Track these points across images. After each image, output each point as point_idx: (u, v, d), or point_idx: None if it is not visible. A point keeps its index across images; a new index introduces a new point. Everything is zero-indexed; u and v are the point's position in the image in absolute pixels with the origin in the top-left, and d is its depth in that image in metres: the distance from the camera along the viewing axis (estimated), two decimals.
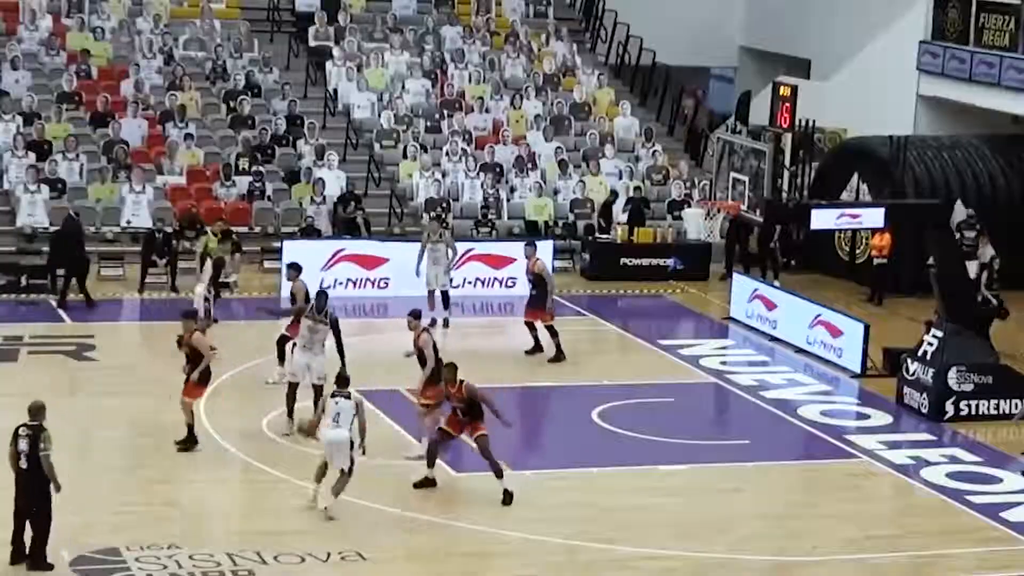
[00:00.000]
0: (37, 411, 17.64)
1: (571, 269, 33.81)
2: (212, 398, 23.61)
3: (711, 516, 20.47)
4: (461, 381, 20.69)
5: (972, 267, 30.25)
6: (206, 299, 26.28)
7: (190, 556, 18.01)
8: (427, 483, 20.75)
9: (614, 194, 34.66)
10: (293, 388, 22.83)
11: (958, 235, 31.06)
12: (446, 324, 28.33)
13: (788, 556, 19.23)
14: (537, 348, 27.16)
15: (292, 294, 24.62)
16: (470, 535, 19.36)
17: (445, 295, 28.76)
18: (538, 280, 27.25)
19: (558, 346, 26.95)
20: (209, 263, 27.43)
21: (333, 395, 19.98)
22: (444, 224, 31.07)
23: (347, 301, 29.68)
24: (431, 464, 20.86)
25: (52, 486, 17.33)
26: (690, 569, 18.66)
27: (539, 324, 27.13)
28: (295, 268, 25.14)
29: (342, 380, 20.29)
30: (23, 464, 17.33)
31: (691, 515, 20.53)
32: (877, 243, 32.16)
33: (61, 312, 28.96)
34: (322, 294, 23.26)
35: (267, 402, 23.81)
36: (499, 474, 20.43)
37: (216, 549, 18.30)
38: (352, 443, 19.70)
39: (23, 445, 17.33)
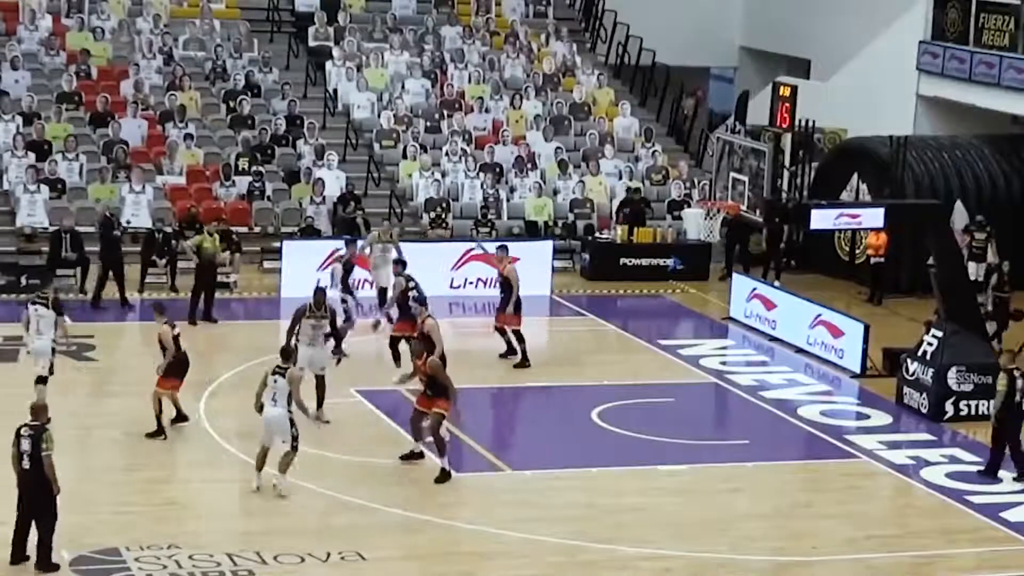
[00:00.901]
0: (39, 411, 17.61)
1: (571, 269, 33.83)
2: (212, 398, 23.64)
3: (711, 516, 20.47)
4: (427, 358, 21.33)
5: (980, 270, 30.30)
6: (53, 351, 23.51)
7: (190, 556, 18.00)
8: (412, 456, 21.43)
9: (636, 191, 34.73)
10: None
11: (967, 238, 31.14)
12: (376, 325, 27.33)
13: (788, 556, 19.22)
14: (511, 351, 26.90)
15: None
16: (470, 535, 19.35)
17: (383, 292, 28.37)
18: (505, 284, 26.96)
19: (523, 352, 26.64)
20: (51, 317, 23.53)
21: (273, 372, 20.33)
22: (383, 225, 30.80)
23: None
24: (416, 438, 21.46)
25: (53, 487, 17.29)
26: (690, 569, 18.65)
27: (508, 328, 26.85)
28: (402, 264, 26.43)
29: (284, 354, 20.82)
30: (26, 464, 17.30)
31: (691, 515, 20.52)
32: (873, 242, 32.18)
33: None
34: (319, 291, 23.41)
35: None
36: (442, 452, 20.90)
37: (216, 549, 18.29)
38: (291, 420, 20.07)
39: (25, 445, 17.29)
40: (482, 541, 19.20)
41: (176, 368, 22.35)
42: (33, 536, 17.50)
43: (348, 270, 27.25)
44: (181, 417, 22.63)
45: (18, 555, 17.48)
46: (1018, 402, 22.08)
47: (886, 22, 37.72)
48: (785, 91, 31.19)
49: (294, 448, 20.12)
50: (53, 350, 23.40)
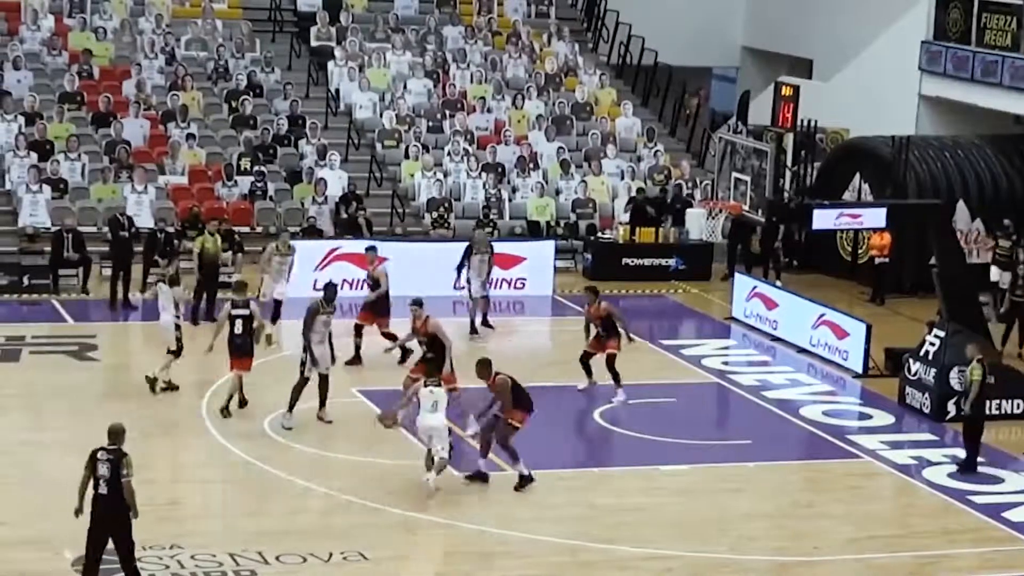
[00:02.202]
0: (117, 434, 16.89)
1: (573, 269, 33.84)
2: (214, 398, 23.62)
3: (713, 516, 20.46)
4: (427, 317, 22.71)
5: (1006, 277, 30.25)
6: (177, 327, 24.60)
7: (192, 556, 18.00)
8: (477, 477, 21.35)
9: (640, 192, 34.75)
10: (324, 379, 23.08)
11: (991, 241, 31.10)
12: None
13: (789, 556, 19.21)
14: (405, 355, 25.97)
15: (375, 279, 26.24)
16: (472, 535, 19.34)
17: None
18: (375, 283, 26.65)
19: (357, 349, 26.24)
20: (176, 290, 25.12)
21: (426, 384, 20.67)
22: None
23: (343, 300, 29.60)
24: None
25: (131, 512, 16.71)
26: (691, 569, 18.64)
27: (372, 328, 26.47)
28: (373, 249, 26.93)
29: (239, 287, 23.46)
30: (102, 490, 16.63)
31: (693, 515, 20.52)
32: (877, 243, 32.16)
33: (63, 312, 29.00)
34: (331, 286, 23.46)
35: (269, 402, 23.83)
36: (515, 459, 21.01)
37: (218, 549, 18.29)
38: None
39: (103, 470, 16.62)
40: (484, 541, 19.19)
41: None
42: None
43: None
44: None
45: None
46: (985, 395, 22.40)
47: (888, 22, 37.74)
48: (787, 91, 31.01)
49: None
50: (177, 326, 24.28)
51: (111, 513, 16.62)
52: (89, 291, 29.97)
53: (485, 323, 28.78)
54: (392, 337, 25.92)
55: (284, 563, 18.09)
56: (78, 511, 16.78)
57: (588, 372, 25.28)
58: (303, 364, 22.73)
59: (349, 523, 19.44)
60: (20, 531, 18.71)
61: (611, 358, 24.80)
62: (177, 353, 24.19)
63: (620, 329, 24.83)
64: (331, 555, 18.36)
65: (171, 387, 24.30)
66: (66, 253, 30.08)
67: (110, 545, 17.69)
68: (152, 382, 24.11)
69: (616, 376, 24.81)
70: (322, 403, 22.99)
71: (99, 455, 16.72)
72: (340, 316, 24.62)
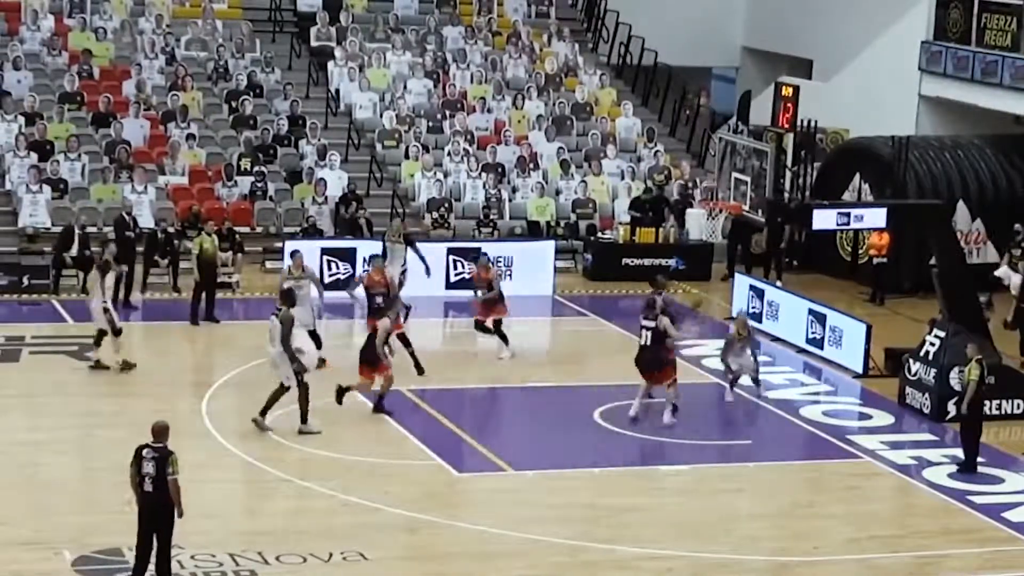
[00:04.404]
0: (161, 432, 16.93)
1: (573, 269, 33.84)
2: (214, 398, 23.65)
3: (713, 516, 20.46)
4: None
5: (1015, 279, 30.27)
6: (106, 310, 25.12)
7: (192, 556, 17.98)
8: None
9: (647, 192, 34.77)
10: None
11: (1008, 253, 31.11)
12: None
13: (790, 556, 19.20)
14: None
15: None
16: (472, 535, 19.33)
17: None
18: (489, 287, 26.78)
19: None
20: (108, 276, 25.56)
21: None
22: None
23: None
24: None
25: (176, 510, 16.80)
26: (692, 569, 18.63)
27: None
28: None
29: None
30: (148, 487, 16.77)
31: (693, 515, 20.52)
32: (876, 242, 32.16)
33: (63, 312, 29.02)
34: (289, 293, 23.49)
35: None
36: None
37: (218, 549, 18.28)
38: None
39: (149, 468, 16.75)
40: (484, 541, 19.17)
41: None
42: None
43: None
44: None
45: (140, 571, 17.11)
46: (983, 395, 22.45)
47: (888, 22, 37.74)
48: (787, 91, 31.11)
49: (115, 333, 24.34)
50: (106, 309, 25.05)
51: (157, 509, 16.79)
52: (89, 291, 29.95)
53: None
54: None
55: (284, 563, 18.07)
56: (131, 502, 17.11)
57: (503, 338, 26.85)
58: (298, 374, 22.51)
59: (349, 523, 19.42)
60: (19, 531, 18.68)
61: (498, 323, 26.65)
62: (116, 332, 24.82)
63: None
64: (331, 555, 18.35)
65: (128, 365, 25.00)
66: (71, 253, 29.97)
67: (116, 546, 17.85)
68: (126, 366, 24.90)
69: (504, 337, 26.65)
70: (267, 409, 22.59)
71: (144, 453, 16.84)
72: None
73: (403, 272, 28.37)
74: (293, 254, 26.45)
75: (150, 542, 16.94)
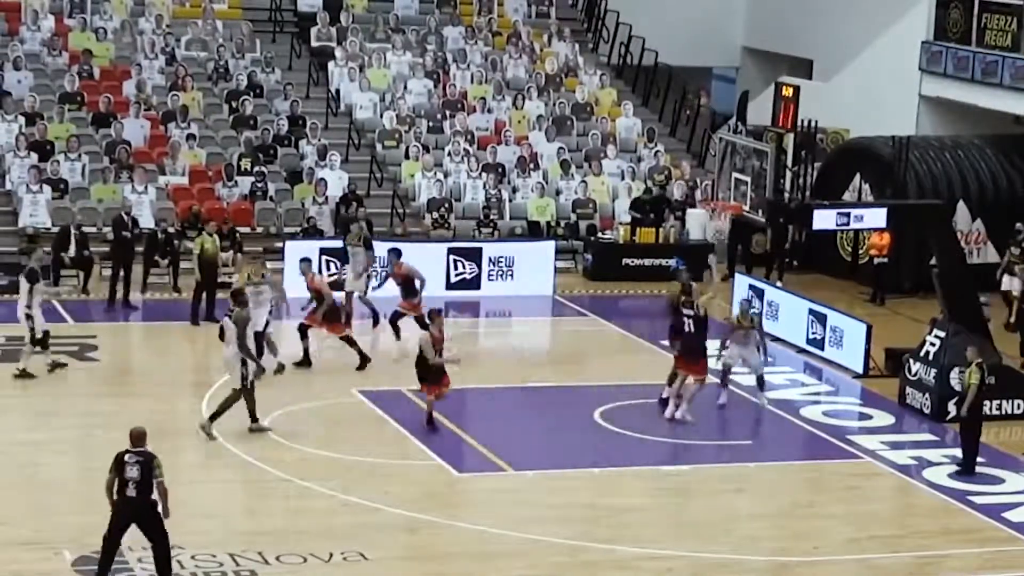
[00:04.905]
0: (140, 437, 16.92)
1: (573, 269, 33.85)
2: (213, 399, 23.57)
3: (713, 516, 20.51)
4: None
5: (1015, 283, 30.29)
6: (28, 317, 24.84)
7: (192, 556, 18.01)
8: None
9: (647, 192, 34.78)
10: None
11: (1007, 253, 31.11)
12: None
13: (790, 556, 19.23)
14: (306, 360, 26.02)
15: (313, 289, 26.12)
16: (472, 535, 19.36)
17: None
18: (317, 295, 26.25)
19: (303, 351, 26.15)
20: (23, 281, 25.30)
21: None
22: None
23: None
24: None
25: (161, 509, 16.82)
26: (692, 569, 18.66)
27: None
28: (306, 262, 26.49)
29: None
30: (131, 492, 16.68)
31: (693, 515, 20.59)
32: (877, 242, 32.17)
33: (63, 312, 29.02)
34: (239, 292, 23.42)
35: (269, 402, 23.84)
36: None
37: (218, 549, 18.31)
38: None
39: (133, 472, 16.65)
40: (484, 541, 19.20)
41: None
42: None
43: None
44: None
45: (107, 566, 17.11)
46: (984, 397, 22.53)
47: (888, 22, 37.77)
48: (788, 91, 31.16)
49: None
50: (28, 316, 24.94)
51: (140, 515, 16.77)
52: (90, 291, 29.97)
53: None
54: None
55: (284, 563, 18.10)
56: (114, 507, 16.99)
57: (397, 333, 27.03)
58: (250, 376, 22.24)
59: (349, 523, 19.45)
60: (19, 531, 18.71)
61: (398, 315, 27.07)
62: (35, 342, 24.74)
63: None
64: (331, 555, 18.38)
65: (58, 365, 25.10)
66: (68, 253, 30.05)
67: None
68: (54, 365, 24.88)
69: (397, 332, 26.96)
70: (219, 414, 22.34)
71: (127, 458, 16.76)
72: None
73: (366, 274, 28.55)
74: (304, 263, 26.72)
75: (117, 546, 16.95)
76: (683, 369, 24.18)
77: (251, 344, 22.69)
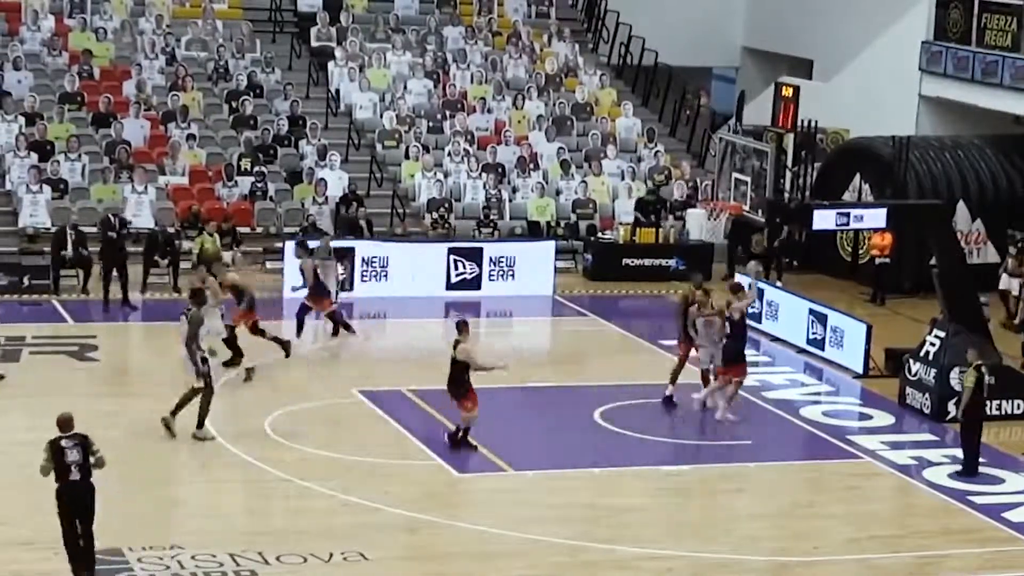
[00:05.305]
0: (69, 421, 17.30)
1: (573, 269, 33.87)
2: (215, 398, 23.49)
3: (713, 516, 20.59)
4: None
5: (1014, 283, 30.31)
6: None
7: (192, 556, 18.03)
8: None
9: (651, 193, 34.81)
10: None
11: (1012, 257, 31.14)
12: None
13: (790, 556, 19.25)
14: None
15: (302, 271, 26.50)
16: (472, 535, 19.40)
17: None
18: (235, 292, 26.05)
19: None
20: None
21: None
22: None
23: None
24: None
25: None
26: (692, 569, 18.69)
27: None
28: (304, 247, 26.96)
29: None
30: (75, 476, 16.94)
31: (693, 515, 20.63)
32: (878, 243, 32.19)
33: (63, 312, 29.09)
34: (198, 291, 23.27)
35: (269, 402, 23.89)
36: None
37: (218, 549, 18.30)
38: None
39: (74, 456, 16.93)
40: (484, 541, 19.24)
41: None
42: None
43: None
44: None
45: (80, 560, 17.21)
46: (984, 398, 22.52)
47: (888, 22, 37.81)
48: (788, 91, 31.15)
49: None
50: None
51: (83, 495, 17.04)
52: (89, 291, 29.99)
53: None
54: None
55: (284, 563, 18.12)
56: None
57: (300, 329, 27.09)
58: (205, 376, 21.99)
59: (349, 523, 19.48)
60: (19, 531, 18.73)
61: (304, 310, 27.17)
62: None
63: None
64: (331, 555, 18.40)
65: None
66: (67, 253, 30.09)
67: (116, 546, 17.84)
68: None
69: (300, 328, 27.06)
70: (177, 410, 22.19)
71: (64, 443, 17.08)
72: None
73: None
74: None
75: (78, 534, 17.15)
76: (724, 374, 24.24)
77: (203, 344, 22.15)
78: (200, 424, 22.07)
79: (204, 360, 21.82)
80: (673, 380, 24.64)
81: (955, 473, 22.44)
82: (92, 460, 17.06)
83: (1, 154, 33.51)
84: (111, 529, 18.59)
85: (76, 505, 17.06)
